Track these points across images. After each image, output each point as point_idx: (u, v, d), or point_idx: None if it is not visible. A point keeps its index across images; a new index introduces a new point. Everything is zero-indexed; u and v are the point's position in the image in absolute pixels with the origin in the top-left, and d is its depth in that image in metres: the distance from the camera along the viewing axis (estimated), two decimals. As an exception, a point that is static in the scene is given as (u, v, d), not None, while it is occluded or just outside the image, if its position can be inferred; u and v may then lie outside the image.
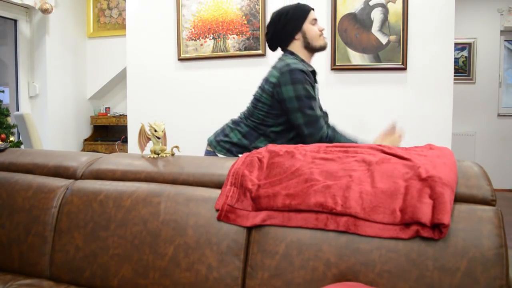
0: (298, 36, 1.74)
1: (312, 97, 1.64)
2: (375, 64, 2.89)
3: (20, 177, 1.41)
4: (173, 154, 1.41)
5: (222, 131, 1.82)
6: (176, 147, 1.42)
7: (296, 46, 1.75)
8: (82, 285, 1.21)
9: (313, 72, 1.75)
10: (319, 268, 0.96)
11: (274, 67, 1.71)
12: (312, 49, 1.76)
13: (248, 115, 1.77)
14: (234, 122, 1.81)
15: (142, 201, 1.20)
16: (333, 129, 1.71)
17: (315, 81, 1.76)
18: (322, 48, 1.78)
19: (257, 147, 1.65)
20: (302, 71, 1.63)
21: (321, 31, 1.76)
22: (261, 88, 1.73)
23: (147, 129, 1.39)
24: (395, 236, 0.92)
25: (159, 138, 1.37)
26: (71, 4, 4.32)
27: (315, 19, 1.76)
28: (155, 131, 1.35)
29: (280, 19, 1.75)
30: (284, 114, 1.67)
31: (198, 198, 1.16)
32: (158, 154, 1.39)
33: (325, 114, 1.82)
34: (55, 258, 1.25)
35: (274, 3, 3.11)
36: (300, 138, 1.69)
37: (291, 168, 1.13)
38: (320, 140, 1.64)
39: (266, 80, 1.71)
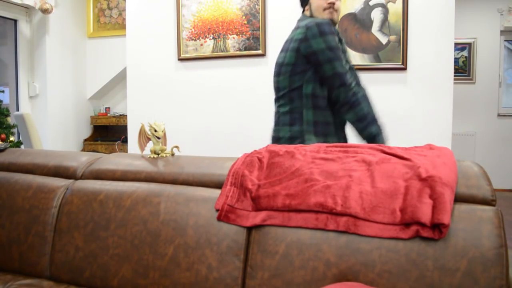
0: (307, 7, 1.72)
1: (340, 49, 1.60)
2: (375, 64, 2.89)
3: (20, 177, 1.41)
4: (173, 154, 1.41)
5: (274, 139, 1.74)
6: (176, 147, 1.42)
7: (309, 15, 1.73)
8: (82, 285, 1.21)
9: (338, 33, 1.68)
10: (319, 268, 0.96)
11: (297, 27, 1.67)
12: None
13: (277, 94, 1.71)
14: (275, 123, 1.76)
15: (142, 201, 1.20)
16: (365, 93, 1.65)
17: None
18: None
19: (309, 122, 1.62)
20: (328, 24, 1.59)
21: (329, 3, 1.65)
22: (284, 50, 1.68)
23: (147, 129, 1.39)
24: (395, 236, 0.92)
25: (159, 138, 1.37)
26: (71, 4, 4.32)
27: None
28: (155, 131, 1.35)
29: None
30: (309, 70, 1.61)
31: (198, 198, 1.16)
32: (158, 154, 1.39)
33: (353, 70, 1.75)
34: (55, 258, 1.25)
35: (274, 3, 3.11)
36: (329, 91, 1.63)
37: (291, 168, 1.13)
38: (347, 93, 1.58)
39: (290, 40, 1.67)
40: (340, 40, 1.67)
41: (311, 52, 1.58)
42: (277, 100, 1.74)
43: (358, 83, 1.74)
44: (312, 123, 1.63)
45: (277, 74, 1.70)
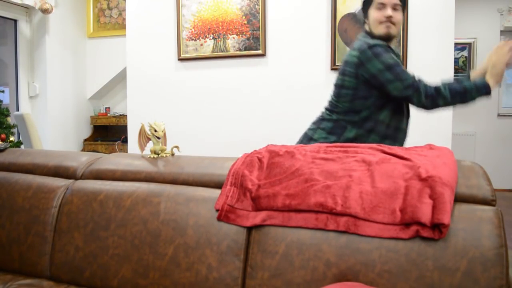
0: (367, 21, 1.65)
1: (399, 63, 1.54)
2: (375, 64, 2.88)
3: (20, 177, 1.41)
4: (173, 154, 1.41)
5: (305, 137, 1.72)
6: (176, 147, 1.42)
7: (368, 29, 1.68)
8: (82, 285, 1.21)
9: (393, 51, 1.62)
10: (319, 268, 0.96)
11: (353, 49, 1.62)
12: (375, 37, 1.61)
13: (332, 108, 1.68)
14: (315, 122, 1.73)
15: (142, 201, 1.20)
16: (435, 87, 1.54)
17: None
18: (384, 38, 1.59)
19: (347, 139, 1.60)
20: (380, 45, 1.54)
21: (387, 17, 1.57)
22: (342, 73, 1.64)
23: (147, 129, 1.39)
24: (395, 236, 0.92)
25: (159, 138, 1.37)
26: (71, 4, 4.32)
27: (382, 4, 1.58)
28: (155, 131, 1.35)
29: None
30: (373, 95, 1.57)
31: (198, 198, 1.16)
32: (158, 154, 1.39)
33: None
34: (55, 258, 1.25)
35: (274, 3, 3.11)
36: (402, 105, 1.59)
37: (291, 168, 1.13)
38: (426, 91, 1.50)
39: (345, 63, 1.63)
40: (397, 56, 1.62)
41: (371, 75, 1.54)
42: (331, 106, 1.69)
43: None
44: (350, 141, 1.61)
45: (337, 95, 1.65)
